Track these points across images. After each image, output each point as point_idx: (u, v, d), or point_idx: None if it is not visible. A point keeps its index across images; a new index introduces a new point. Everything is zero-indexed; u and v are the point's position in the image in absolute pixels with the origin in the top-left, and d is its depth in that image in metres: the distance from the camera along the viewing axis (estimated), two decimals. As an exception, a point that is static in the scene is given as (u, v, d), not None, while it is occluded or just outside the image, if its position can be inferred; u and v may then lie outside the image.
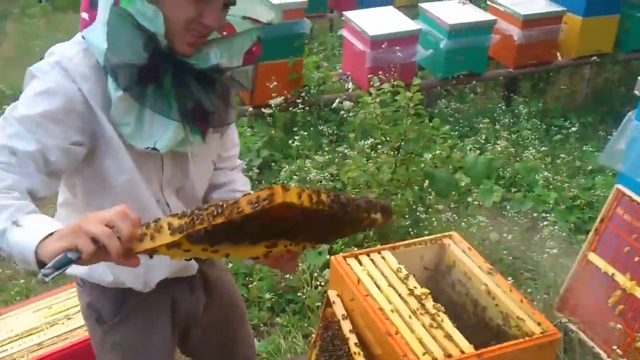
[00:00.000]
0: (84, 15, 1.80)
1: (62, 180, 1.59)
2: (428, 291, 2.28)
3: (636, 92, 2.57)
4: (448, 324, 2.14)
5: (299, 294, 3.33)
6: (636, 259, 2.58)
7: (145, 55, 1.42)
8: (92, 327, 1.85)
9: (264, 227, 1.33)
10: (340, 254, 2.47)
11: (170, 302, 1.87)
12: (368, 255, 2.46)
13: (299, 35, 5.23)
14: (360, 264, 2.41)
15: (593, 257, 2.77)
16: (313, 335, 2.77)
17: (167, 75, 1.48)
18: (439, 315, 2.17)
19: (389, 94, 3.82)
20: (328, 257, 3.52)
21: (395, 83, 3.68)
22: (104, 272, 1.72)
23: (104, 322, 1.81)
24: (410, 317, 2.15)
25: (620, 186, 2.70)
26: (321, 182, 4.45)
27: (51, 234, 1.22)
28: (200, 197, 1.84)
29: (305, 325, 3.21)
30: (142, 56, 1.42)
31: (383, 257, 2.46)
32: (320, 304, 3.16)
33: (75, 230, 1.19)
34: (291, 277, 3.43)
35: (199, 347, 2.06)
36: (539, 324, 2.12)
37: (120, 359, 1.84)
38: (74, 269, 1.40)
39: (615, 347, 2.47)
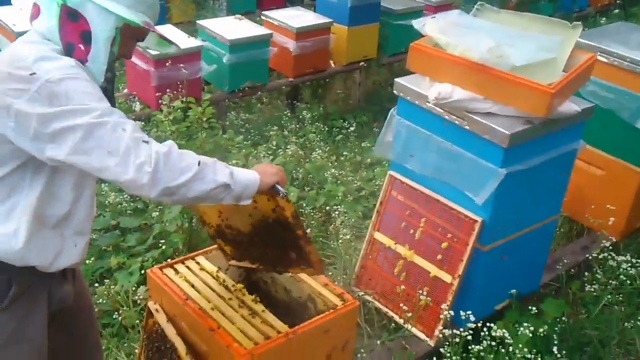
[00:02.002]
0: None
1: (8, 186, 1.78)
2: (242, 286, 2.49)
3: (395, 92, 3.02)
4: (265, 312, 2.37)
5: (114, 316, 3.35)
6: (411, 231, 3.04)
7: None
8: None
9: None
10: (156, 266, 2.59)
11: (47, 292, 1.94)
12: (183, 263, 2.60)
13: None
14: (177, 272, 2.55)
15: (378, 235, 3.19)
16: (137, 351, 2.84)
17: None
18: (255, 305, 2.40)
19: (179, 110, 3.96)
20: (141, 273, 3.57)
21: (186, 99, 3.84)
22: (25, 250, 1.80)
23: None
24: (229, 311, 2.35)
25: (392, 172, 3.15)
26: (121, 204, 4.45)
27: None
28: None
29: (126, 344, 3.25)
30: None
31: (198, 263, 2.62)
32: (138, 321, 3.22)
33: (275, 172, 1.97)
34: (103, 302, 3.43)
35: (62, 334, 2.13)
36: (340, 297, 2.45)
37: None
38: None
39: (401, 305, 2.90)
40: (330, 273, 3.46)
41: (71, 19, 1.75)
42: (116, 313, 3.34)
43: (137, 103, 5.77)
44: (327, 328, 2.33)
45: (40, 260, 1.86)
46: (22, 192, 1.79)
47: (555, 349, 2.73)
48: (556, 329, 2.93)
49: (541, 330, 2.78)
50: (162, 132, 3.77)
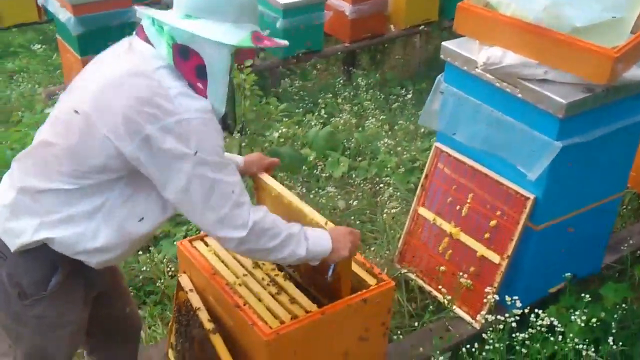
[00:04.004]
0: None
1: (93, 189, 1.76)
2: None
3: (442, 56, 2.80)
4: (294, 290, 2.27)
5: (157, 284, 3.33)
6: (457, 207, 2.84)
7: None
8: (8, 303, 1.85)
9: None
10: (187, 238, 2.52)
11: (85, 276, 1.93)
12: (214, 236, 2.53)
13: (128, 24, 5.11)
14: (207, 245, 2.48)
15: (423, 210, 3.01)
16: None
17: None
18: (285, 283, 2.29)
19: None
20: (182, 244, 3.54)
21: (237, 66, 3.72)
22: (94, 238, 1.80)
23: (27, 296, 1.81)
24: (257, 287, 2.26)
25: (438, 144, 2.95)
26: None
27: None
28: None
29: (168, 314, 3.23)
30: None
31: (229, 236, 2.54)
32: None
33: (349, 244, 2.01)
34: (147, 269, 3.42)
35: (102, 317, 2.16)
36: (375, 276, 2.30)
37: (39, 333, 1.88)
38: (39, 234, 1.74)
39: (440, 287, 2.74)
40: (372, 248, 3.32)
41: (183, 56, 1.71)
42: (159, 281, 3.32)
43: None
44: (359, 309, 2.20)
45: (101, 260, 1.86)
46: (110, 199, 1.79)
47: (611, 339, 2.49)
48: (616, 316, 2.69)
49: (595, 319, 2.55)
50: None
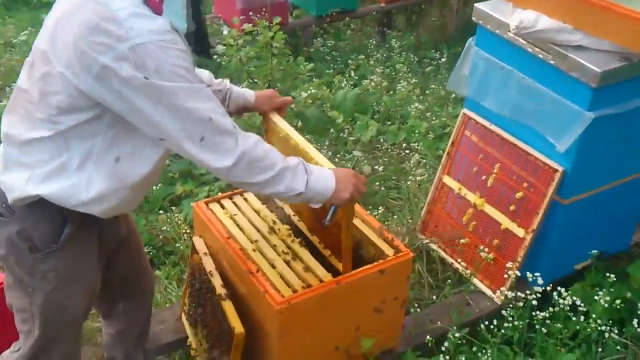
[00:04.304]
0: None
1: (75, 135, 1.66)
2: (289, 228, 2.35)
3: (473, 18, 2.68)
4: (309, 257, 2.22)
5: (177, 244, 3.32)
6: (483, 177, 2.74)
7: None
8: (20, 257, 1.81)
9: None
10: (203, 199, 2.49)
11: (98, 230, 1.90)
12: (231, 199, 2.49)
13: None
14: (223, 208, 2.44)
15: (447, 179, 2.92)
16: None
17: None
18: (300, 250, 2.25)
19: (256, 34, 3.77)
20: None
21: (269, 23, 3.62)
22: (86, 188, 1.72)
23: (38, 250, 1.78)
24: (271, 254, 2.22)
25: (466, 110, 2.83)
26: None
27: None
28: None
29: (184, 276, 3.23)
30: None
31: (246, 199, 2.50)
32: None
33: (352, 186, 1.87)
34: (167, 229, 3.41)
35: (112, 267, 2.11)
36: (393, 247, 2.24)
37: (53, 286, 1.84)
38: (30, 188, 1.69)
39: (459, 260, 2.65)
40: (394, 216, 3.25)
41: None
42: (179, 242, 3.31)
43: (225, 26, 5.64)
44: (375, 280, 2.15)
45: (103, 209, 1.79)
46: (96, 145, 1.69)
47: (636, 321, 2.40)
48: (643, 295, 2.59)
49: (620, 300, 2.45)
50: (228, 58, 3.62)
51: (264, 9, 4.89)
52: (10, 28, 6.33)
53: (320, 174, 1.84)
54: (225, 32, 5.51)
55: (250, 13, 4.92)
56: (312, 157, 2.01)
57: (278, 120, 2.22)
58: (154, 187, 3.76)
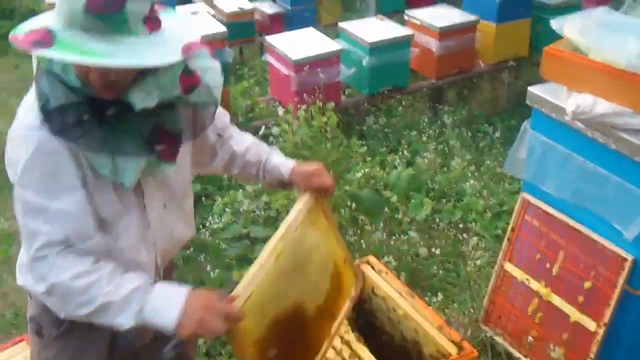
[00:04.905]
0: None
1: None
2: (346, 322, 2.28)
3: (528, 102, 2.63)
4: (367, 355, 2.14)
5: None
6: (547, 265, 2.62)
7: (71, 98, 1.51)
8: (32, 340, 1.86)
9: None
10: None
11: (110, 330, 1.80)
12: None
13: (221, 65, 5.19)
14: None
15: (509, 266, 2.80)
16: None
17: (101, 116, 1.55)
18: (358, 347, 2.17)
19: (310, 118, 3.81)
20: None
21: (323, 105, 3.66)
22: None
23: (43, 335, 1.80)
24: (329, 352, 2.14)
25: (525, 194, 2.75)
26: (254, 212, 4.42)
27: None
28: (189, 204, 1.93)
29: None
30: (68, 98, 1.51)
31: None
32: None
33: (209, 315, 1.52)
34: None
35: None
36: (455, 343, 2.14)
37: None
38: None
39: (528, 357, 2.50)
40: (454, 304, 3.13)
41: None
42: (234, 330, 3.26)
43: (280, 108, 5.75)
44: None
45: None
46: None
47: None
48: None
49: None
50: (283, 141, 3.66)
51: (317, 90, 4.97)
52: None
53: (163, 303, 1.56)
54: (280, 113, 5.62)
55: (305, 95, 5.01)
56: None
57: (301, 204, 1.89)
58: (212, 273, 3.77)
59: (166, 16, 1.58)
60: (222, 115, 1.99)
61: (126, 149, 1.56)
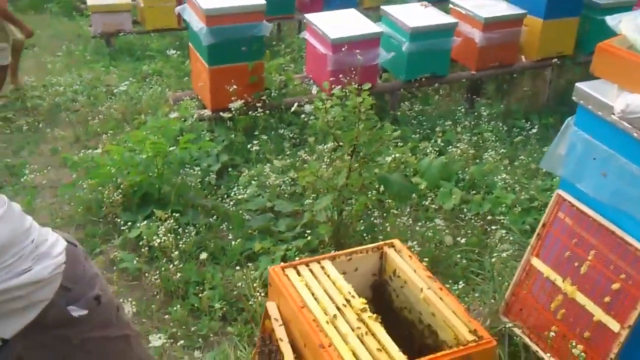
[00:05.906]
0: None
1: None
2: (365, 301, 2.25)
3: (574, 98, 2.56)
4: (383, 335, 2.12)
5: (250, 302, 3.29)
6: (576, 264, 2.57)
7: None
8: None
9: None
10: (280, 264, 2.44)
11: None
12: (307, 266, 2.43)
13: (257, 38, 5.17)
14: (299, 274, 2.38)
15: (536, 262, 2.76)
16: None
17: None
18: (374, 325, 2.15)
19: (344, 97, 3.78)
20: (284, 261, 3.48)
21: (349, 87, 3.64)
22: None
23: None
24: (345, 327, 2.13)
25: (561, 191, 2.69)
26: (280, 186, 4.42)
27: None
28: None
29: (255, 338, 3.18)
30: None
31: (322, 267, 2.43)
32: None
33: None
34: (243, 286, 3.39)
35: None
36: (474, 332, 2.11)
37: None
38: None
39: (547, 353, 2.46)
40: (476, 294, 3.09)
41: None
42: (252, 300, 3.27)
43: (314, 87, 5.72)
44: (453, 369, 2.02)
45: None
46: None
47: None
48: None
49: None
50: (315, 118, 3.63)
51: (354, 72, 4.92)
52: (114, 77, 6.66)
53: None
54: (314, 91, 5.58)
55: (341, 75, 4.96)
56: None
57: None
58: (232, 242, 3.78)
59: None
60: None
61: None
